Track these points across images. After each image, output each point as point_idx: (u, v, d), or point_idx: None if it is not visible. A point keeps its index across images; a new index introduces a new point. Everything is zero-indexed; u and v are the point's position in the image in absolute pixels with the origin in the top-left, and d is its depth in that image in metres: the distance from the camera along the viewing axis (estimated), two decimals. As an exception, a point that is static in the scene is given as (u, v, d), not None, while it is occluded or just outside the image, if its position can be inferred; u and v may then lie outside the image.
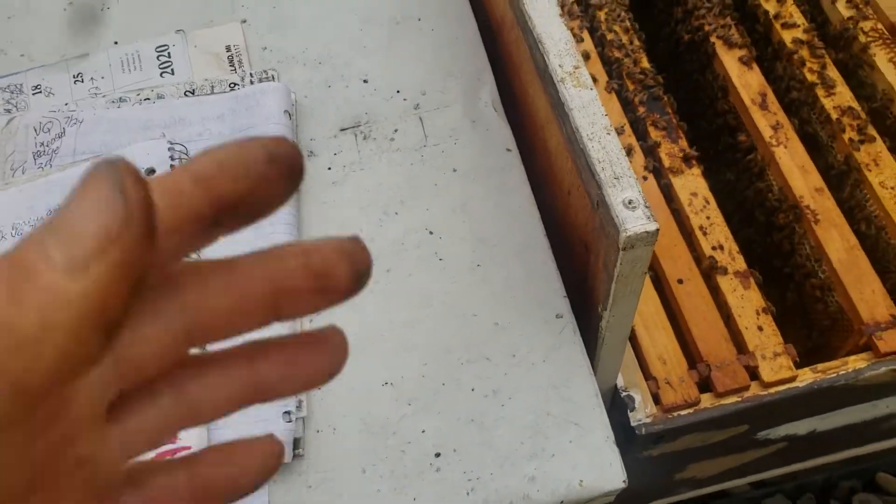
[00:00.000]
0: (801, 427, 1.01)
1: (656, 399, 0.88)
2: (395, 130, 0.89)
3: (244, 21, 0.97)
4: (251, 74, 0.93)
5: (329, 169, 0.87)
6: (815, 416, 0.99)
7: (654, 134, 1.05)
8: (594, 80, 1.08)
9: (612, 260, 0.69)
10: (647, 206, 0.66)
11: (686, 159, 1.03)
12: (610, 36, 1.12)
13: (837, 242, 0.96)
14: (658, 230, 0.65)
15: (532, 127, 0.89)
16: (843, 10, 1.12)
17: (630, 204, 0.66)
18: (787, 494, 1.52)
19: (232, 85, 0.93)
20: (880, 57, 1.08)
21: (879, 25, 1.11)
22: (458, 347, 0.77)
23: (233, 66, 0.95)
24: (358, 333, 0.78)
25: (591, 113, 0.71)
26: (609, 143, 0.70)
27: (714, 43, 1.11)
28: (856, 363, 0.89)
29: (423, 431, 0.73)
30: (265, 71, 0.94)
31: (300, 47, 0.95)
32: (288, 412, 0.74)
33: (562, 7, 1.13)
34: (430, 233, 0.83)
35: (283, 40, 0.96)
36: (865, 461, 1.47)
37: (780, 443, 1.04)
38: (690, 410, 0.88)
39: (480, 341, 0.77)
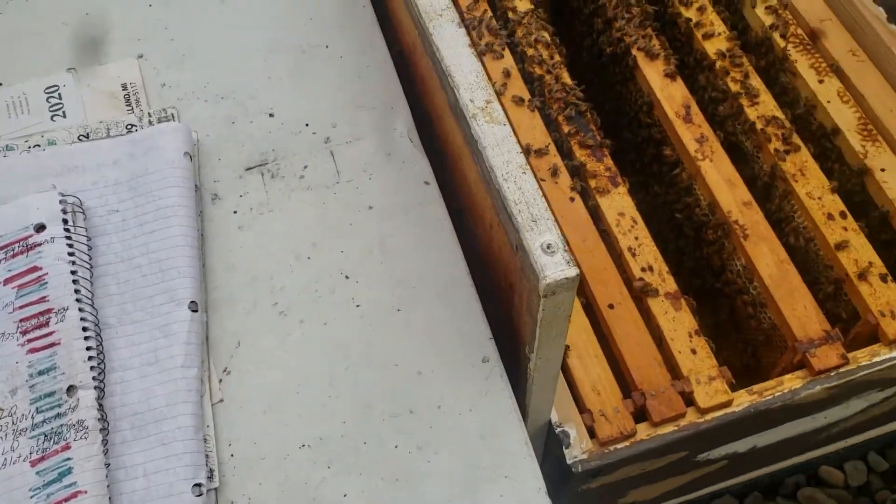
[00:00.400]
0: (741, 445, 1.00)
1: (591, 432, 0.85)
2: (305, 167, 0.84)
3: (140, 56, 0.91)
4: (150, 114, 0.87)
5: (235, 213, 0.82)
6: (755, 435, 0.98)
7: (580, 153, 1.02)
8: (519, 99, 1.05)
9: (534, 305, 0.65)
10: (566, 250, 0.63)
11: (612, 178, 1.00)
12: (530, 52, 1.09)
13: (767, 257, 0.94)
14: (578, 275, 0.62)
15: (451, 156, 0.85)
16: (763, 17, 1.11)
17: (549, 248, 0.63)
18: (734, 494, 1.51)
19: (129, 126, 0.87)
20: (802, 63, 1.07)
21: (799, 31, 1.10)
22: (379, 401, 0.73)
23: (130, 105, 0.88)
24: (271, 392, 0.74)
25: (506, 151, 0.68)
26: (525, 183, 0.66)
27: (635, 55, 1.09)
28: (791, 382, 0.88)
29: (345, 496, 0.69)
30: (164, 109, 0.88)
31: (201, 82, 0.90)
32: (198, 484, 0.69)
33: (480, 23, 1.10)
34: (346, 277, 0.78)
35: (183, 75, 0.90)
36: (809, 458, 1.47)
37: (720, 461, 1.03)
38: (627, 443, 0.85)
39: (403, 393, 0.73)
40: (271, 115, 0.87)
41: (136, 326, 0.76)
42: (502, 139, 0.68)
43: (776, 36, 1.09)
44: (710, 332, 1.18)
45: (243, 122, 0.87)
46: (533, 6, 1.12)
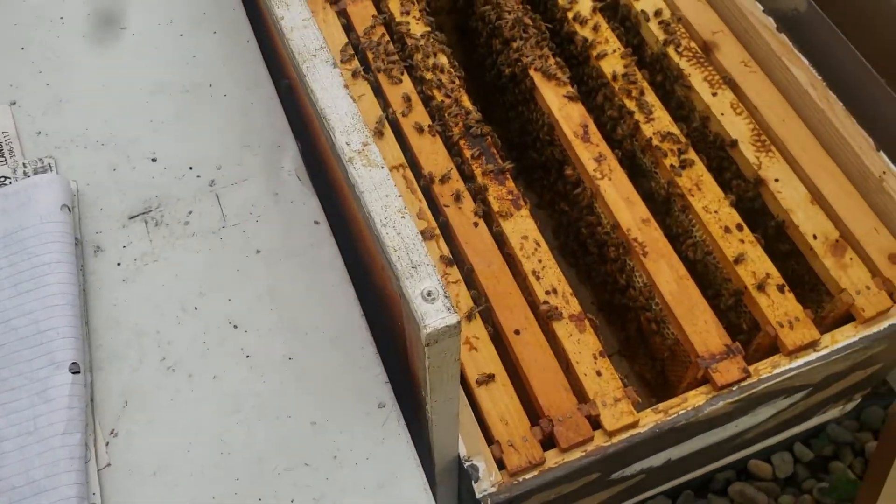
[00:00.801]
0: (655, 460, 1.00)
1: (501, 464, 0.85)
2: (190, 212, 0.81)
3: (13, 103, 0.87)
4: (25, 165, 0.84)
5: (119, 265, 0.79)
6: (668, 449, 0.99)
7: (482, 177, 1.01)
8: (419, 126, 1.03)
9: (421, 352, 0.64)
10: (446, 297, 0.62)
11: (514, 201, 1.00)
12: (428, 76, 1.08)
13: (667, 274, 0.95)
14: (460, 321, 0.61)
15: (340, 192, 0.84)
16: (657, 32, 1.12)
17: (429, 296, 0.62)
18: (667, 494, 1.53)
19: (2, 179, 0.83)
20: (695, 77, 1.08)
21: (692, 44, 1.11)
22: (272, 455, 0.71)
23: (2, 156, 0.84)
24: (161, 452, 0.71)
25: (384, 195, 0.66)
26: (404, 228, 0.65)
27: (533, 76, 1.09)
28: (695, 399, 0.88)
29: (240, 558, 0.67)
30: (41, 159, 0.84)
31: (80, 128, 0.86)
32: (83, 559, 0.66)
33: (377, 46, 1.08)
34: (235, 326, 0.76)
35: (61, 121, 0.87)
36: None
37: (637, 476, 1.03)
38: (536, 472, 0.84)
39: (297, 445, 0.71)
40: (154, 160, 0.84)
41: (12, 394, 0.72)
42: (380, 183, 0.67)
43: (670, 51, 1.10)
44: (622, 345, 1.19)
45: (125, 169, 0.84)
46: (429, 28, 1.11)
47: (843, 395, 1.16)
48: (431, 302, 0.61)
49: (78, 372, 0.72)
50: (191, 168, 0.84)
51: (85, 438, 0.71)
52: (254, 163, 0.84)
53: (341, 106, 0.70)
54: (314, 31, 0.74)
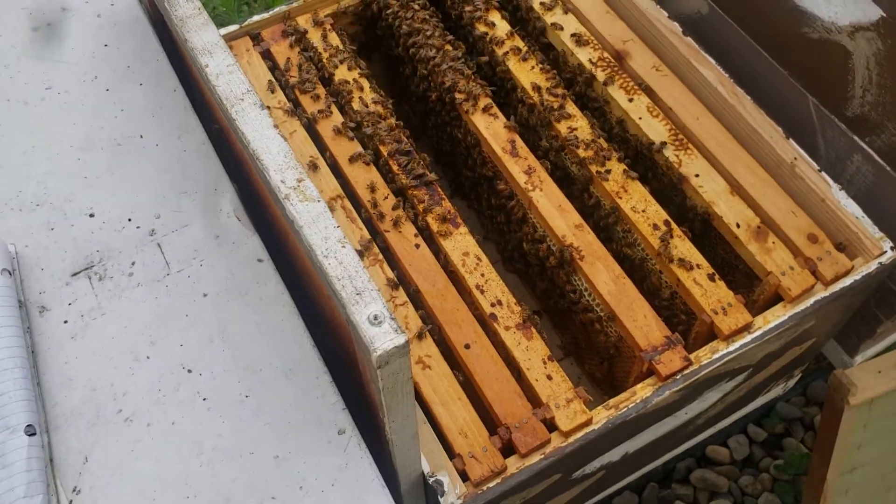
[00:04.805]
0: (613, 455, 1.04)
1: (465, 476, 0.87)
2: (133, 263, 0.82)
3: (-59, 171, 0.87)
4: (-41, 232, 0.83)
5: (66, 322, 0.79)
6: (624, 443, 1.02)
7: (418, 201, 1.04)
8: (352, 156, 1.06)
9: (374, 375, 0.66)
10: (392, 318, 0.64)
11: (452, 220, 1.03)
12: (357, 106, 1.11)
13: (604, 274, 0.99)
14: (408, 341, 0.63)
15: (281, 229, 0.86)
16: (572, 47, 1.16)
17: (376, 320, 0.64)
18: (633, 489, 1.57)
19: (-63, 248, 0.82)
20: (612, 85, 1.13)
21: (606, 54, 1.16)
22: (238, 493, 0.72)
23: (-65, 225, 0.84)
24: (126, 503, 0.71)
25: (323, 227, 0.68)
26: (346, 257, 0.67)
27: (458, 98, 1.12)
28: (643, 391, 0.92)
29: None
30: (-25, 225, 0.84)
31: (12, 190, 0.86)
32: None
33: (303, 84, 1.11)
34: (189, 371, 0.77)
35: (-8, 186, 0.87)
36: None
37: (598, 472, 1.07)
38: (499, 479, 0.87)
39: (262, 480, 0.72)
40: (91, 216, 0.85)
41: (-31, 463, 0.72)
42: (318, 216, 0.69)
43: (586, 62, 1.15)
44: (570, 347, 1.23)
45: (63, 227, 0.84)
46: (352, 60, 1.14)
47: (783, 373, 1.21)
48: (378, 325, 0.64)
49: (34, 434, 0.72)
50: (129, 220, 0.85)
51: (47, 499, 0.71)
52: (192, 208, 0.85)
53: (273, 145, 0.72)
54: (240, 76, 0.76)
